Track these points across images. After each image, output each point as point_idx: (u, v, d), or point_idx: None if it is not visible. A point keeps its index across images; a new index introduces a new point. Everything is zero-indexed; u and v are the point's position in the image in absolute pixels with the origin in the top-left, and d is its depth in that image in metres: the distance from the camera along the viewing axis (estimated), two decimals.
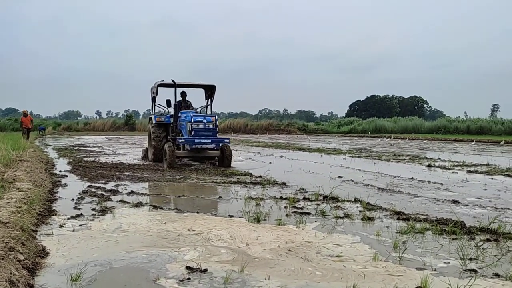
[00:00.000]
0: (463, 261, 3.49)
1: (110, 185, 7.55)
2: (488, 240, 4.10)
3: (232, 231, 4.41)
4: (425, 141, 26.35)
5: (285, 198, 6.33)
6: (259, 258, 3.59)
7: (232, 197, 6.53)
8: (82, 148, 18.20)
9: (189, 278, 3.09)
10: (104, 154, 15.13)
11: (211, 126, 10.76)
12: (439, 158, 13.36)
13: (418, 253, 3.73)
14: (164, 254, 3.66)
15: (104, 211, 5.37)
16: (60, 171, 9.56)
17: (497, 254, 3.69)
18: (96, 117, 77.26)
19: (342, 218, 5.12)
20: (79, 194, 6.58)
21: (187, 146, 10.60)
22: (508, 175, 9.16)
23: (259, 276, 3.13)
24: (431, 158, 13.43)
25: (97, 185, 7.53)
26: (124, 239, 4.12)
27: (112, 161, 12.29)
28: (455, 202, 6.14)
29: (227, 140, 11.03)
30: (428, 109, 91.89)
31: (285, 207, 5.78)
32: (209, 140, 10.48)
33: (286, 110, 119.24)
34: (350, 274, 3.20)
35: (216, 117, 11.14)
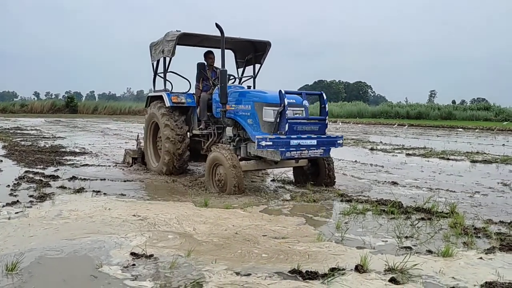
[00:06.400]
0: (399, 239, 3.70)
1: (49, 170, 7.19)
2: (422, 219, 4.37)
3: (179, 216, 4.37)
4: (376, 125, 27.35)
5: None
6: (206, 242, 3.59)
7: (179, 182, 6.45)
8: (19, 131, 17.11)
9: (134, 264, 3.04)
10: (43, 138, 14.33)
11: (311, 115, 6.21)
12: (381, 142, 13.97)
13: (359, 233, 3.90)
14: (108, 240, 3.56)
15: (42, 198, 5.11)
16: None
17: (430, 232, 3.94)
18: (34, 98, 72.65)
19: (288, 200, 5.24)
20: (16, 180, 6.21)
21: (266, 154, 5.59)
22: (443, 158, 9.79)
23: (206, 260, 3.14)
24: (373, 142, 14.01)
25: (35, 170, 7.14)
26: (64, 227, 3.96)
27: (51, 145, 11.69)
28: (394, 183, 6.47)
29: (341, 140, 5.99)
30: (372, 95, 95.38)
31: None
32: (314, 142, 5.60)
33: None
34: (295, 255, 3.29)
35: (324, 95, 6.14)
